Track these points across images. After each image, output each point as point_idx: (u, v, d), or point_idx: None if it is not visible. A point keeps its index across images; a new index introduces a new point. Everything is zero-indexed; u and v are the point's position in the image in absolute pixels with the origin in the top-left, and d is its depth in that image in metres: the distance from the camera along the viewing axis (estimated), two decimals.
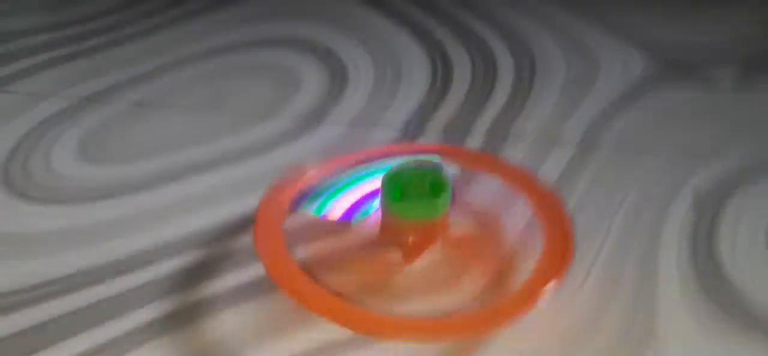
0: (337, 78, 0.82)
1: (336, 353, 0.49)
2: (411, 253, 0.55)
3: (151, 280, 0.56)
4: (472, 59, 0.84)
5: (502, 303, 0.50)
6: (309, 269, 0.53)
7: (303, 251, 0.56)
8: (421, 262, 0.54)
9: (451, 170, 0.57)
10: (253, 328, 0.52)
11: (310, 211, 0.56)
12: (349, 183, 0.58)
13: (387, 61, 0.85)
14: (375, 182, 0.55)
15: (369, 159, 0.60)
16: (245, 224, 0.61)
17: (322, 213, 0.56)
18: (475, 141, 0.71)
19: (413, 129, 0.73)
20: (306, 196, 0.57)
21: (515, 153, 0.69)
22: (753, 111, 0.73)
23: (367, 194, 0.57)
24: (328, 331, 0.49)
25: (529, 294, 0.48)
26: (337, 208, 0.56)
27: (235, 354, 0.50)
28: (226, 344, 0.51)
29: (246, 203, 0.63)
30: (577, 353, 0.49)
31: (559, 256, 0.50)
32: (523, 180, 0.59)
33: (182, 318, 0.53)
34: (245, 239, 0.60)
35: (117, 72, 0.84)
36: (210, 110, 0.78)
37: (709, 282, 0.54)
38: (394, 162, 0.55)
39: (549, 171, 0.66)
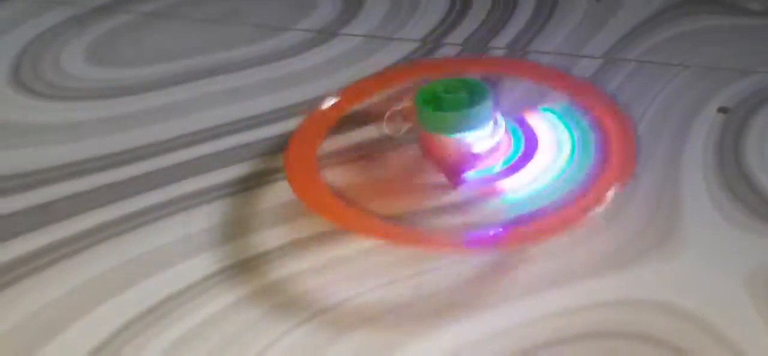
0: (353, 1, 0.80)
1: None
2: (455, 172, 0.50)
3: (152, 171, 0.55)
4: None
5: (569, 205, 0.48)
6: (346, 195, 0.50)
7: (339, 177, 0.53)
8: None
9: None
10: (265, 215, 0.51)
11: None
12: None
13: None
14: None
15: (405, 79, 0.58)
16: (253, 124, 0.60)
17: None
18: (494, 56, 0.69)
19: (431, 44, 0.71)
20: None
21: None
22: None
23: None
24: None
25: (595, 196, 0.46)
26: None
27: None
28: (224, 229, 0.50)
29: (255, 107, 0.61)
30: (599, 241, 0.47)
31: (623, 159, 0.49)
32: (584, 90, 0.57)
33: (179, 208, 0.52)
34: (253, 137, 0.58)
35: None
36: (222, 23, 0.76)
37: (735, 183, 0.52)
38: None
39: None
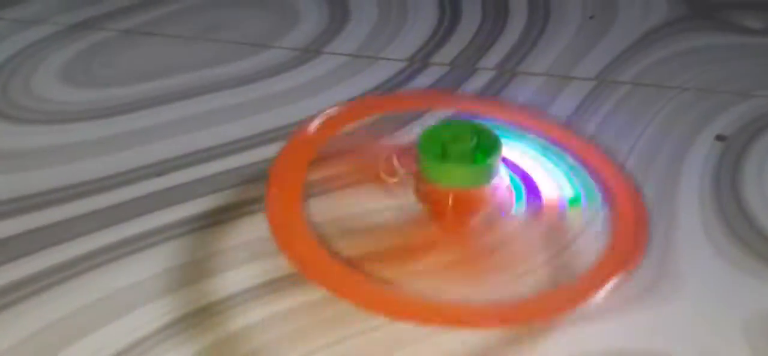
0: (338, 12, 0.77)
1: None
2: (450, 224, 0.47)
3: (130, 199, 0.52)
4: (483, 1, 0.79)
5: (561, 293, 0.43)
6: (327, 235, 0.46)
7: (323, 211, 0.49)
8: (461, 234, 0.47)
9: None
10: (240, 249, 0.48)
11: None
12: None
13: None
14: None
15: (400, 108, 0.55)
16: (232, 150, 0.57)
17: None
18: (482, 77, 0.66)
19: (418, 64, 0.68)
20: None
21: (526, 88, 0.64)
22: None
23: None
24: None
25: (592, 284, 0.41)
26: None
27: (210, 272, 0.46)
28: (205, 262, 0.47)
29: (234, 132, 0.59)
30: None
31: (630, 245, 0.43)
32: (596, 159, 0.50)
33: (161, 239, 0.49)
34: (231, 163, 0.56)
35: (106, 3, 0.80)
36: (202, 40, 0.73)
37: (733, 219, 0.49)
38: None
39: (564, 105, 0.61)
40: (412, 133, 0.51)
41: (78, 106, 0.63)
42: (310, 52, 0.70)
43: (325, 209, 0.49)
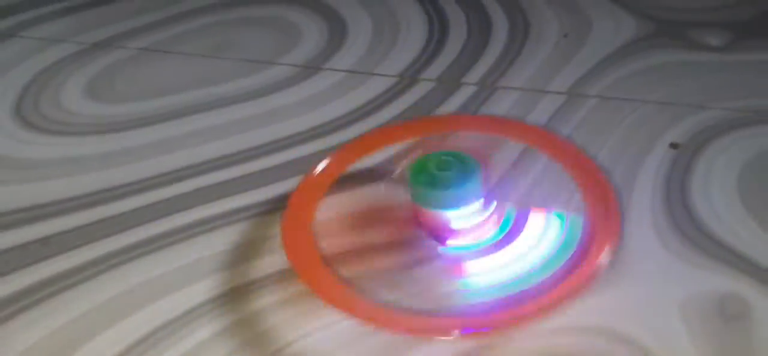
0: (337, 33, 0.85)
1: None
2: (444, 241, 0.54)
3: (150, 204, 0.60)
4: (467, 19, 0.87)
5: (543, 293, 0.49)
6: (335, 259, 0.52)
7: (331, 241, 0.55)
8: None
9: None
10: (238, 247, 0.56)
11: None
12: None
13: (385, 18, 0.87)
14: None
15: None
16: (241, 159, 0.65)
17: None
18: (466, 92, 0.73)
19: (409, 78, 0.76)
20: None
21: (505, 102, 0.71)
22: (737, 71, 0.75)
23: None
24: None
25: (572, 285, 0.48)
26: None
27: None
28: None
29: (245, 141, 0.66)
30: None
31: (604, 242, 0.50)
32: (574, 160, 0.58)
33: (177, 239, 0.57)
34: (242, 170, 0.63)
35: (123, 23, 0.87)
36: (212, 58, 0.81)
37: (679, 216, 0.57)
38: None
39: (538, 117, 0.69)
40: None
41: (104, 119, 0.71)
42: (311, 68, 0.78)
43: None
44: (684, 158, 0.63)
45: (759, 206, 0.57)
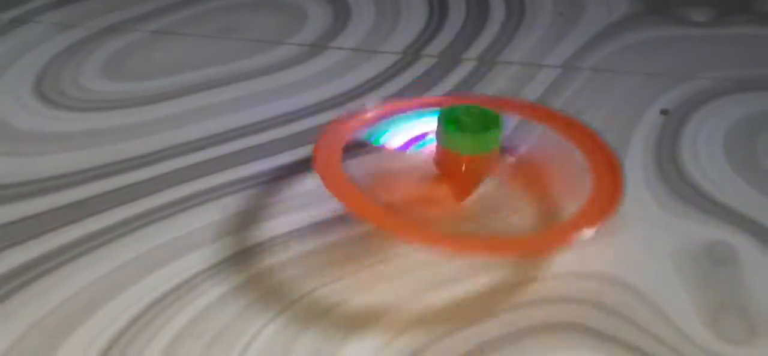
0: (341, 14, 0.88)
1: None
2: (464, 186, 0.58)
3: (162, 173, 0.63)
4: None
5: (547, 232, 0.55)
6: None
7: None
8: (473, 195, 0.58)
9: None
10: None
11: (368, 141, 0.61)
12: (404, 120, 0.62)
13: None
14: (428, 123, 0.59)
15: (422, 106, 0.64)
16: (253, 131, 0.68)
17: (380, 143, 0.61)
18: (465, 68, 0.77)
19: (411, 55, 0.79)
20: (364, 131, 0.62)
21: (503, 76, 0.75)
22: (721, 44, 0.79)
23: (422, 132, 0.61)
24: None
25: (576, 226, 0.51)
26: (394, 140, 0.61)
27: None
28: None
29: (253, 116, 0.70)
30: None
31: (608, 195, 0.53)
32: (573, 127, 0.61)
33: (189, 206, 0.60)
34: (244, 143, 0.67)
35: (132, 8, 0.90)
36: (221, 39, 0.84)
37: (669, 173, 0.61)
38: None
39: (533, 90, 0.73)
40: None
41: (121, 95, 0.74)
42: (317, 47, 0.81)
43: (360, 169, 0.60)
44: (673, 122, 0.67)
45: (742, 164, 0.61)
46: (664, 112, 0.68)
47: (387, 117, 0.63)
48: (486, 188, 0.58)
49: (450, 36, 0.83)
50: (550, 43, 0.80)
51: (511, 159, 0.61)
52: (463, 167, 0.57)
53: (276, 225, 0.57)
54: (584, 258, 0.53)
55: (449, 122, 0.56)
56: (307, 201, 0.59)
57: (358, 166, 0.61)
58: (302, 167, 0.63)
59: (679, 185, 0.60)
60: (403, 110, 0.63)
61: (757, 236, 0.55)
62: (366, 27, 0.85)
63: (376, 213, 0.53)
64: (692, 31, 0.82)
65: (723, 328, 0.48)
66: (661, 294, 0.50)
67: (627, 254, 0.53)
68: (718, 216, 0.57)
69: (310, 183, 0.61)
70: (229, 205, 0.59)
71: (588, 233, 0.50)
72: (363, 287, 0.51)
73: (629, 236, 0.55)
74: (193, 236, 0.56)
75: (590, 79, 0.74)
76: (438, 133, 0.57)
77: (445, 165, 0.58)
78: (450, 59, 0.79)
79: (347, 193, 0.53)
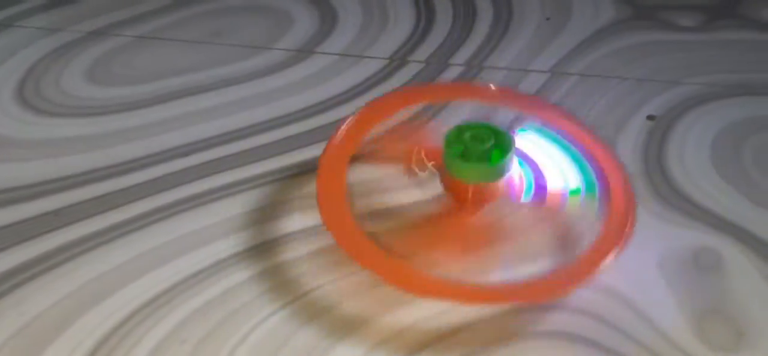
0: (327, 19, 0.88)
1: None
2: (470, 209, 0.55)
3: (148, 180, 0.62)
4: (453, 4, 0.90)
5: (563, 272, 0.51)
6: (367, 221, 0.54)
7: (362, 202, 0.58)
8: (480, 218, 0.55)
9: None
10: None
11: None
12: None
13: (374, 4, 0.90)
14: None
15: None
16: (237, 137, 0.68)
17: None
18: (452, 72, 0.77)
19: (399, 60, 0.79)
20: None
21: (491, 80, 0.75)
22: (708, 50, 0.79)
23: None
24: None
25: (591, 263, 0.49)
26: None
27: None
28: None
29: (238, 122, 0.69)
30: (542, 230, 0.55)
31: (620, 224, 0.51)
32: (593, 145, 0.58)
33: (170, 213, 0.59)
34: (233, 148, 0.66)
35: (116, 13, 0.89)
36: (207, 44, 0.83)
37: (656, 180, 0.61)
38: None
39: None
40: (438, 130, 0.58)
41: (105, 101, 0.73)
42: (304, 52, 0.81)
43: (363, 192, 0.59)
44: (660, 128, 0.67)
45: (729, 170, 0.61)
46: (650, 117, 0.68)
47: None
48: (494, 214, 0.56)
49: (437, 41, 0.82)
50: (537, 48, 0.80)
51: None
52: (470, 194, 0.55)
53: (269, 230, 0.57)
54: None
55: (455, 147, 0.53)
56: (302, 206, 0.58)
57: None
58: (292, 171, 0.63)
59: (665, 190, 0.60)
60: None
61: (744, 242, 0.54)
62: (353, 32, 0.84)
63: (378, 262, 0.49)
64: (679, 36, 0.82)
65: (710, 335, 0.48)
66: (647, 300, 0.50)
67: (613, 260, 0.53)
68: (704, 222, 0.56)
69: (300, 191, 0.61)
70: (220, 210, 0.59)
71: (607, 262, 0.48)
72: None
73: None
74: (182, 241, 0.56)
75: (578, 83, 0.74)
76: (444, 156, 0.54)
77: (452, 190, 0.56)
78: (437, 64, 0.78)
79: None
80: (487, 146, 0.53)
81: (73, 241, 0.56)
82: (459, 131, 0.54)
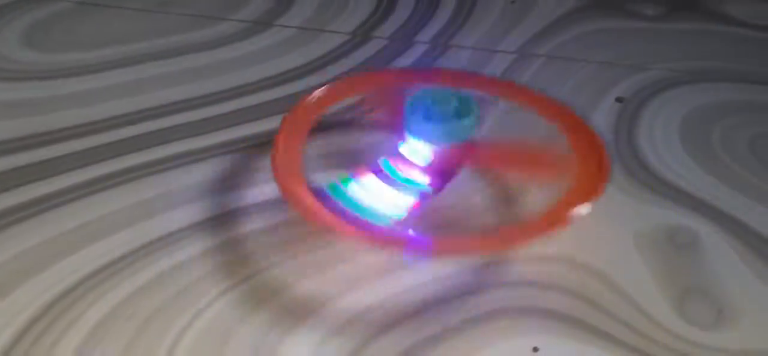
0: None
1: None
2: (438, 177, 0.52)
3: (92, 146, 0.58)
4: None
5: (532, 220, 0.50)
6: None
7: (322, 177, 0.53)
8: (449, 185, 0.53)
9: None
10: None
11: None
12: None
13: None
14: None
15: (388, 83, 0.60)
16: (182, 109, 0.63)
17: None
18: (417, 50, 0.74)
19: (360, 36, 0.76)
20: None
21: (457, 59, 0.73)
22: (671, 37, 0.79)
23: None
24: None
25: (562, 212, 0.47)
26: None
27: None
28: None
29: (185, 92, 0.65)
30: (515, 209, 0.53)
31: (593, 176, 0.50)
32: (550, 107, 0.57)
33: (117, 182, 0.55)
34: (183, 117, 0.62)
35: None
36: (156, 13, 0.78)
37: (628, 160, 0.59)
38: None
39: (490, 74, 0.70)
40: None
41: (45, 66, 0.67)
42: (260, 24, 0.77)
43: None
44: (629, 110, 0.66)
45: (698, 151, 0.60)
46: (619, 99, 0.67)
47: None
48: (463, 177, 0.54)
49: (401, 18, 0.79)
50: (503, 30, 0.78)
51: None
52: (435, 157, 0.52)
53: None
54: (546, 242, 0.50)
55: (417, 111, 0.51)
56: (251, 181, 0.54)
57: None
58: (248, 143, 0.59)
59: (638, 170, 0.58)
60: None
61: (717, 221, 0.53)
62: (312, 6, 0.81)
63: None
64: (643, 24, 0.81)
65: (690, 312, 0.46)
66: (626, 279, 0.48)
67: (589, 238, 0.51)
68: (678, 202, 0.55)
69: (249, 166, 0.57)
70: (170, 180, 0.54)
71: (581, 211, 0.47)
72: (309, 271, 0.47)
73: (591, 221, 0.52)
74: (130, 211, 0.51)
75: (545, 65, 0.72)
76: (406, 121, 0.52)
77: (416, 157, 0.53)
78: (402, 41, 0.75)
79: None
80: (451, 106, 0.51)
81: (11, 207, 0.51)
82: (420, 95, 0.52)
